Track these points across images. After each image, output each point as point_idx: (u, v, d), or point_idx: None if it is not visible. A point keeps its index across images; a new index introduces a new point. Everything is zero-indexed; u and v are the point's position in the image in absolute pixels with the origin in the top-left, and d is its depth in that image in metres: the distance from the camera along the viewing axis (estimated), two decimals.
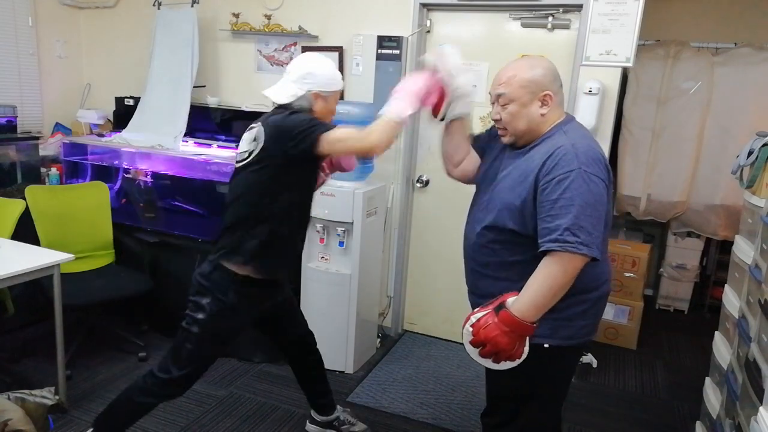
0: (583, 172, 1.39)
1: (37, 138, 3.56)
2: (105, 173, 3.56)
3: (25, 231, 2.78)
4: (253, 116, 3.38)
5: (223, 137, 3.49)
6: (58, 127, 3.89)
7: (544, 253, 1.40)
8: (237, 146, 3.52)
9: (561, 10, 2.86)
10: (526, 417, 1.61)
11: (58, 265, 2.34)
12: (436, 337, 3.46)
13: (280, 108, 1.88)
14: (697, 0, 3.96)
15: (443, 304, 3.41)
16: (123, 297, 2.93)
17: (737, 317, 2.04)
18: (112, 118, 3.82)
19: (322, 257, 2.96)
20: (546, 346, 1.52)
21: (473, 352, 1.46)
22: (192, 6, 3.45)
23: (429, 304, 3.46)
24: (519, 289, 1.45)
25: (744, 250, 2.08)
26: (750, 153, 2.01)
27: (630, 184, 3.96)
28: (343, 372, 2.98)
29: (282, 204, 1.84)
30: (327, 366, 2.97)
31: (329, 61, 1.95)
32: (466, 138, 1.79)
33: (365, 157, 2.22)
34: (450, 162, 1.84)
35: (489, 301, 1.48)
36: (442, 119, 1.78)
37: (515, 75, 1.50)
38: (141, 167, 3.38)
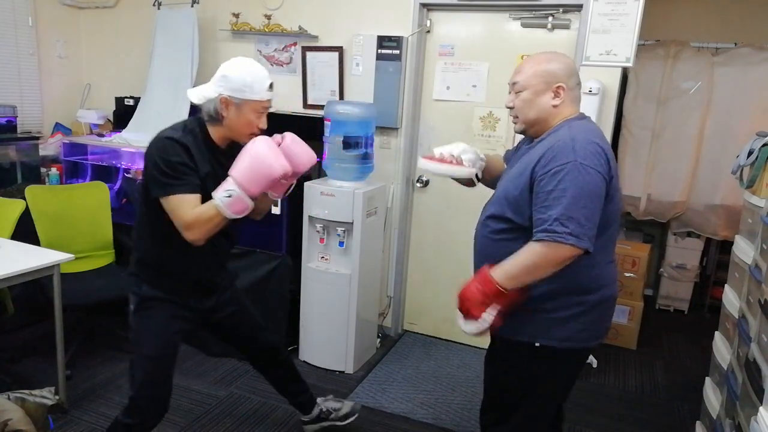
0: (579, 164, 1.39)
1: (37, 138, 3.56)
2: (105, 173, 3.56)
3: (25, 231, 2.78)
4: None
5: None
6: (58, 127, 3.89)
7: None
8: None
9: (561, 10, 2.86)
10: (520, 416, 1.62)
11: (58, 265, 2.34)
12: (436, 337, 3.46)
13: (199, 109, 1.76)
14: (697, 0, 3.96)
15: (443, 304, 3.40)
16: (123, 297, 2.91)
17: (737, 317, 2.04)
18: (112, 118, 3.82)
19: (322, 257, 2.96)
20: (537, 345, 1.52)
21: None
22: (192, 6, 3.45)
23: (429, 304, 3.46)
24: None
25: (744, 250, 2.08)
26: (750, 153, 2.01)
27: (630, 184, 3.97)
28: (343, 372, 2.98)
29: (157, 217, 1.72)
30: (327, 366, 2.99)
31: (256, 66, 1.77)
32: (496, 166, 1.86)
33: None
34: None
35: None
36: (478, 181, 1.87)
37: (533, 65, 1.56)
38: (141, 167, 3.38)
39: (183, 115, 3.34)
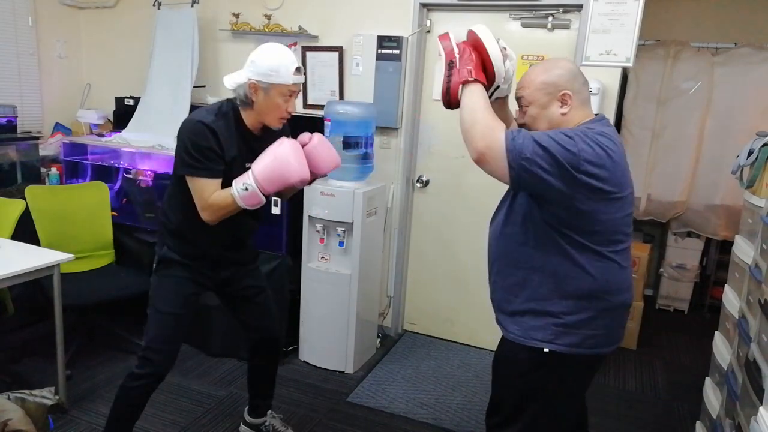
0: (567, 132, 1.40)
1: (37, 138, 3.56)
2: (105, 173, 3.56)
3: (25, 231, 2.78)
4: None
5: None
6: (58, 127, 3.89)
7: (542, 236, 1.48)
8: None
9: (561, 10, 2.86)
10: (525, 421, 1.60)
11: (58, 265, 2.34)
12: (436, 337, 3.46)
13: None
14: (697, 0, 3.96)
15: (443, 304, 3.41)
16: (123, 297, 2.93)
17: (737, 317, 2.04)
18: (112, 118, 3.82)
19: (322, 257, 2.96)
20: (546, 350, 1.50)
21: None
22: (192, 6, 3.45)
23: (429, 304, 3.46)
24: (524, 277, 1.53)
25: (744, 250, 2.08)
26: (750, 153, 2.01)
27: None
28: (343, 372, 2.98)
29: (183, 191, 1.83)
30: (327, 366, 2.99)
31: (283, 51, 1.80)
32: (506, 114, 1.75)
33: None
34: None
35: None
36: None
37: (533, 79, 1.52)
38: (141, 167, 3.38)
39: (183, 115, 3.34)
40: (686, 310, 4.20)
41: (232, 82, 1.81)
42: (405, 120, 3.20)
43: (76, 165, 3.58)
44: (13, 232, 2.68)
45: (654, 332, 3.76)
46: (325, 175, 2.00)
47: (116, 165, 3.54)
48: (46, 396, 1.84)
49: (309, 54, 3.32)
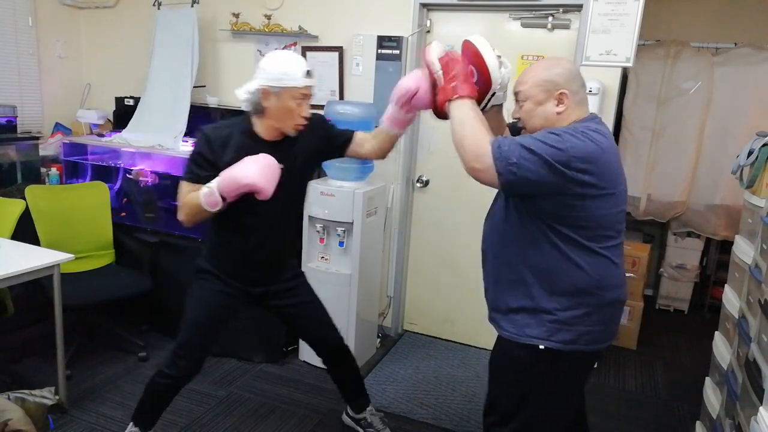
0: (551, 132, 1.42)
1: (37, 138, 3.56)
2: (105, 173, 3.56)
3: (25, 231, 2.78)
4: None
5: None
6: (58, 127, 3.89)
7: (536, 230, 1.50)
8: None
9: (561, 10, 2.86)
10: (522, 419, 1.60)
11: (58, 265, 2.34)
12: (436, 337, 3.46)
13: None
14: (697, 0, 3.96)
15: (443, 304, 3.41)
16: (123, 297, 2.93)
17: (737, 317, 2.04)
18: (112, 118, 3.82)
19: (322, 257, 2.96)
20: (541, 347, 1.50)
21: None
22: (192, 6, 3.45)
23: (429, 304, 3.46)
24: (515, 277, 1.54)
25: (744, 250, 2.08)
26: (750, 153, 2.01)
27: (630, 184, 3.89)
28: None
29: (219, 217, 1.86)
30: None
31: (291, 55, 1.85)
32: (500, 123, 1.77)
33: None
34: None
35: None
36: (483, 108, 1.73)
37: (533, 75, 1.53)
38: (141, 167, 3.38)
39: (183, 115, 3.34)
40: (686, 310, 4.20)
41: (243, 91, 1.83)
42: None
43: (76, 165, 3.58)
44: (13, 232, 2.68)
45: (654, 332, 3.76)
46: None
47: (116, 165, 3.54)
48: (46, 396, 1.84)
49: (309, 54, 3.32)
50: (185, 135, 3.34)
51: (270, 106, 1.80)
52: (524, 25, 2.96)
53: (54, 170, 3.46)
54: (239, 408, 2.62)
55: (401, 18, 3.10)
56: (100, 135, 3.64)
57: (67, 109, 3.94)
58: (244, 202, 1.78)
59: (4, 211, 2.75)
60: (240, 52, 3.56)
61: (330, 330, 2.27)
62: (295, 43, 3.38)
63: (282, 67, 1.77)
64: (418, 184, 3.34)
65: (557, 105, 1.50)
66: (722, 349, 2.21)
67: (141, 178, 3.29)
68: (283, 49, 3.42)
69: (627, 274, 3.43)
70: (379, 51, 3.12)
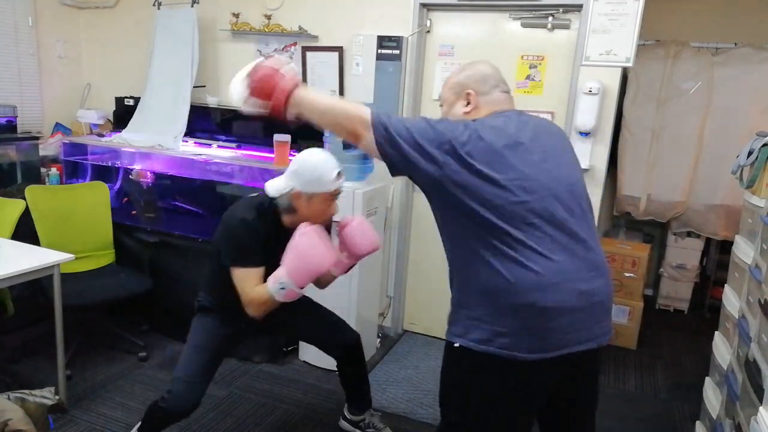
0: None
1: (37, 138, 3.56)
2: (105, 173, 3.56)
3: (25, 231, 2.78)
4: (254, 116, 3.41)
5: (223, 137, 3.49)
6: (58, 127, 3.89)
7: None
8: (237, 146, 3.53)
9: (561, 10, 2.86)
10: (441, 424, 1.55)
11: (58, 265, 2.34)
12: (436, 337, 3.46)
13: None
14: (697, 0, 3.96)
15: (443, 304, 3.38)
16: (123, 297, 2.93)
17: (737, 317, 2.04)
18: (112, 118, 3.82)
19: None
20: (456, 345, 1.43)
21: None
22: (192, 6, 3.45)
23: (429, 304, 3.46)
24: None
25: (744, 250, 2.08)
26: (750, 153, 2.01)
27: (630, 184, 3.97)
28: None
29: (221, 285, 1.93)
30: (327, 366, 2.98)
31: (323, 159, 1.87)
32: None
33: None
34: None
35: None
36: None
37: (448, 79, 1.60)
38: (141, 167, 3.38)
39: (183, 115, 3.35)
40: (686, 310, 4.20)
41: (275, 190, 1.90)
42: None
43: (76, 165, 3.58)
44: (13, 232, 2.68)
45: (654, 332, 3.76)
46: (362, 258, 2.04)
47: (116, 165, 3.54)
48: (46, 396, 1.84)
49: (309, 54, 3.32)
50: (185, 135, 3.35)
51: (301, 207, 1.88)
52: (524, 25, 2.96)
53: (54, 170, 3.46)
54: (239, 408, 2.62)
55: (401, 18, 3.10)
56: (100, 135, 3.64)
57: (67, 109, 3.94)
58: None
59: (4, 211, 2.75)
60: (240, 52, 3.56)
61: (340, 329, 2.30)
62: (295, 43, 3.38)
63: (314, 173, 1.84)
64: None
65: (465, 105, 1.54)
66: (722, 349, 2.21)
67: (141, 179, 3.29)
68: (282, 49, 3.42)
69: (627, 274, 3.49)
70: (379, 51, 3.12)
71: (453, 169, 1.35)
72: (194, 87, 3.41)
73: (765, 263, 1.79)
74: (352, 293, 2.89)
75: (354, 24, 3.19)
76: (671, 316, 4.18)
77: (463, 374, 1.46)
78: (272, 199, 1.93)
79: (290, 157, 2.97)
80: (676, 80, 3.81)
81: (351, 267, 2.08)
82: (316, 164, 1.85)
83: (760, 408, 1.52)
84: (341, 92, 3.30)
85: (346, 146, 2.84)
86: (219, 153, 3.28)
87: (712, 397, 2.23)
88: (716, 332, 2.33)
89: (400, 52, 3.08)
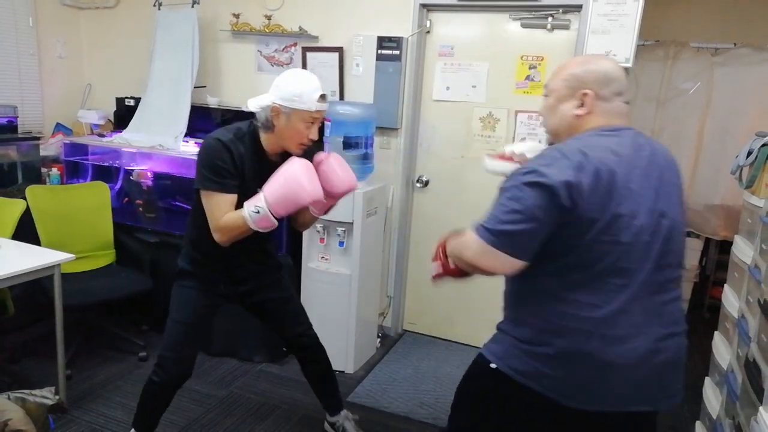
0: (533, 170, 1.21)
1: (38, 138, 3.56)
2: (106, 173, 3.56)
3: (26, 231, 2.79)
4: (253, 117, 3.42)
5: None
6: (59, 128, 3.90)
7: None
8: None
9: (561, 10, 2.86)
10: (452, 428, 1.52)
11: (59, 265, 2.34)
12: (436, 337, 3.47)
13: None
14: (697, 0, 3.96)
15: (443, 304, 3.41)
16: (123, 297, 2.93)
17: (737, 317, 2.04)
18: (112, 119, 3.82)
19: (322, 257, 2.96)
20: (492, 366, 1.34)
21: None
22: (192, 6, 3.45)
23: (429, 304, 3.46)
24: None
25: (743, 250, 2.08)
26: (749, 153, 2.01)
27: None
28: (343, 372, 2.98)
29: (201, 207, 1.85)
30: None
31: (306, 77, 1.83)
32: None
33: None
34: None
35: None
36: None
37: (563, 68, 1.38)
38: (141, 167, 3.38)
39: (184, 115, 3.35)
40: (686, 309, 4.20)
41: (255, 104, 1.82)
42: (405, 120, 3.20)
43: (76, 165, 3.59)
44: (13, 232, 2.68)
45: None
46: (340, 197, 2.02)
47: (117, 165, 3.54)
48: (46, 396, 1.85)
49: (309, 54, 3.33)
50: (186, 135, 3.35)
51: (279, 125, 1.80)
52: (524, 26, 2.97)
53: (55, 170, 3.46)
54: (239, 408, 2.62)
55: (401, 18, 3.10)
56: (101, 135, 3.64)
57: (68, 109, 3.94)
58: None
59: (4, 211, 2.75)
60: (240, 52, 3.57)
61: (306, 326, 2.26)
62: (295, 44, 3.38)
63: (296, 89, 1.76)
64: (418, 185, 3.34)
65: (578, 106, 1.32)
66: (722, 349, 2.21)
67: (142, 180, 3.29)
68: (283, 49, 3.43)
69: None
70: (379, 51, 3.12)
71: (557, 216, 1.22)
72: (195, 87, 3.42)
73: (764, 263, 1.80)
74: (352, 293, 2.90)
75: (354, 24, 3.20)
76: None
77: (489, 395, 1.39)
78: (252, 124, 1.86)
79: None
80: (676, 80, 3.82)
81: (330, 208, 2.03)
82: (299, 80, 1.79)
83: (760, 408, 1.52)
84: (341, 92, 3.30)
85: (346, 146, 2.84)
86: None
87: (712, 397, 2.23)
88: (716, 332, 2.34)
89: (400, 53, 3.08)
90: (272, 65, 3.48)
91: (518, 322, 1.34)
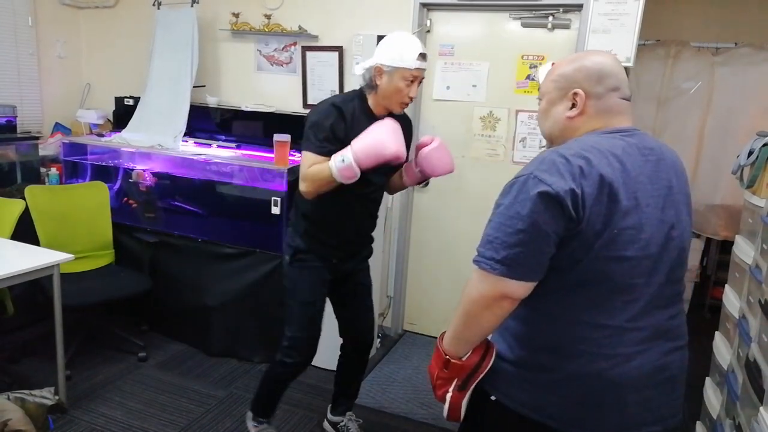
0: (533, 177, 1.08)
1: (37, 138, 3.56)
2: (105, 173, 3.55)
3: (25, 231, 2.78)
4: (253, 116, 3.44)
5: (223, 137, 3.49)
6: (58, 127, 3.89)
7: None
8: (236, 146, 3.53)
9: (561, 9, 2.86)
10: None
11: (58, 265, 2.34)
12: (436, 337, 3.44)
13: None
14: (697, 0, 3.96)
15: (443, 304, 3.40)
16: (123, 297, 2.93)
17: (737, 317, 2.04)
18: (111, 118, 3.82)
19: None
20: (492, 398, 1.23)
21: None
22: (192, 6, 3.45)
23: (429, 304, 3.46)
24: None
25: (744, 250, 2.07)
26: (750, 153, 2.01)
27: None
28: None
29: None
30: (327, 366, 2.97)
31: (408, 37, 1.91)
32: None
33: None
34: None
35: None
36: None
37: (554, 69, 1.27)
38: (141, 167, 3.38)
39: (183, 115, 3.34)
40: (686, 310, 4.19)
41: (361, 67, 1.93)
42: None
43: (75, 165, 3.58)
44: (13, 232, 2.68)
45: None
46: (436, 176, 2.11)
47: (116, 165, 3.54)
48: (46, 396, 1.85)
49: (309, 54, 3.32)
50: (185, 135, 3.35)
51: (381, 84, 1.89)
52: (524, 25, 2.96)
53: (54, 170, 3.46)
54: (239, 408, 2.62)
55: (401, 18, 3.09)
56: (100, 135, 3.64)
57: (67, 109, 3.94)
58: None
59: (4, 211, 2.75)
60: (240, 51, 3.56)
61: (373, 324, 2.33)
62: (295, 43, 3.38)
63: (397, 49, 1.85)
64: (418, 184, 3.33)
65: (570, 108, 1.22)
66: (722, 349, 2.21)
67: (141, 181, 3.29)
68: (282, 49, 3.42)
69: None
70: None
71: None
72: (194, 87, 3.41)
73: (765, 263, 1.79)
74: None
75: (354, 24, 3.19)
76: None
77: (490, 427, 1.29)
78: (361, 89, 1.97)
79: (290, 157, 2.97)
80: (677, 80, 3.81)
81: (422, 182, 2.15)
82: (401, 39, 1.88)
83: (761, 408, 1.52)
84: (341, 92, 3.30)
85: None
86: (219, 153, 3.28)
87: (713, 397, 2.22)
88: (716, 332, 2.33)
89: None
90: (272, 65, 3.48)
91: (517, 343, 1.21)
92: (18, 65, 3.65)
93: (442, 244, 3.34)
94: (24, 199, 2.85)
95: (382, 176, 2.05)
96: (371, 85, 1.91)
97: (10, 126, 3.45)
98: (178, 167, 3.32)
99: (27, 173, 3.44)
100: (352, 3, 3.20)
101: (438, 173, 2.05)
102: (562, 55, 2.87)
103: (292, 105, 3.44)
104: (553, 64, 1.32)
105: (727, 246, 3.81)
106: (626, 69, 2.96)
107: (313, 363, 2.98)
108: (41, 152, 3.55)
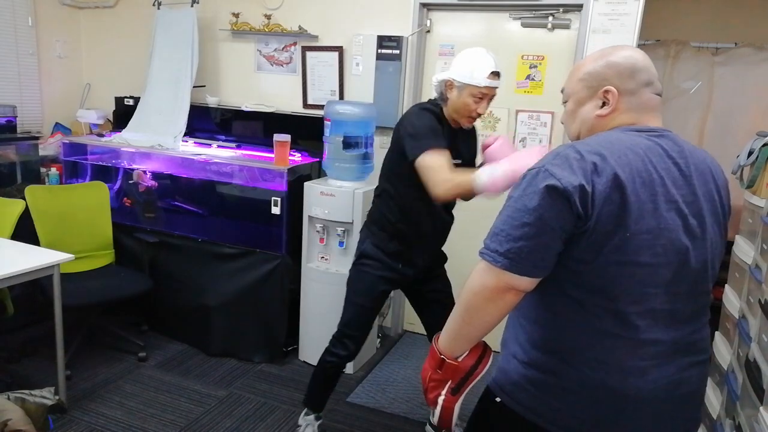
0: (543, 170, 1.04)
1: (37, 138, 3.56)
2: (105, 173, 3.56)
3: (25, 231, 2.78)
4: (253, 116, 3.44)
5: (223, 137, 3.49)
6: (58, 127, 3.89)
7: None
8: (236, 146, 3.54)
9: (561, 9, 2.86)
10: None
11: (58, 265, 2.34)
12: None
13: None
14: (697, 0, 3.96)
15: None
16: (123, 297, 2.93)
17: (737, 317, 2.04)
18: (111, 118, 3.82)
19: (322, 257, 2.96)
20: (497, 400, 1.18)
21: None
22: (192, 6, 3.45)
23: None
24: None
25: (744, 250, 2.07)
26: (750, 153, 2.01)
27: None
28: (343, 372, 2.97)
29: (397, 188, 2.02)
30: None
31: (482, 55, 1.93)
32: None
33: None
34: None
35: None
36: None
37: (579, 67, 1.20)
38: (141, 167, 3.38)
39: (183, 115, 3.35)
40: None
41: (435, 79, 1.99)
42: None
43: (75, 165, 3.58)
44: (13, 232, 2.68)
45: None
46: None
47: (116, 165, 3.54)
48: (46, 396, 1.84)
49: (309, 54, 3.32)
50: (185, 135, 3.35)
51: (451, 98, 1.94)
52: (524, 25, 2.96)
53: (54, 170, 3.46)
54: (239, 408, 2.62)
55: (401, 18, 3.09)
56: (100, 135, 3.64)
57: (67, 109, 3.94)
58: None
59: (4, 211, 2.75)
60: (240, 52, 3.56)
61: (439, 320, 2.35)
62: (294, 43, 3.38)
63: (469, 65, 1.90)
64: None
65: (601, 106, 1.15)
66: (722, 349, 2.21)
67: (141, 181, 3.29)
68: (282, 49, 3.42)
69: None
70: (379, 51, 3.11)
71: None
72: (194, 87, 3.41)
73: (765, 263, 1.79)
74: None
75: (354, 24, 3.19)
76: None
77: (493, 429, 1.25)
78: (436, 101, 2.01)
79: (290, 157, 2.97)
80: (677, 80, 3.81)
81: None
82: (474, 56, 1.92)
83: (761, 408, 1.52)
84: (341, 92, 3.30)
85: (346, 146, 2.84)
86: (219, 153, 3.28)
87: (712, 397, 2.22)
88: (716, 332, 2.33)
89: (400, 52, 3.08)
90: (272, 65, 3.48)
91: (530, 344, 1.16)
92: (18, 65, 3.65)
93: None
94: (24, 199, 2.85)
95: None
96: (443, 97, 1.96)
97: (10, 126, 3.45)
98: (178, 167, 3.32)
99: (27, 173, 3.45)
100: (352, 3, 3.20)
101: None
102: (563, 55, 2.88)
103: (292, 105, 3.44)
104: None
105: (727, 246, 3.81)
106: None
107: (312, 363, 2.98)
108: (41, 152, 3.55)
